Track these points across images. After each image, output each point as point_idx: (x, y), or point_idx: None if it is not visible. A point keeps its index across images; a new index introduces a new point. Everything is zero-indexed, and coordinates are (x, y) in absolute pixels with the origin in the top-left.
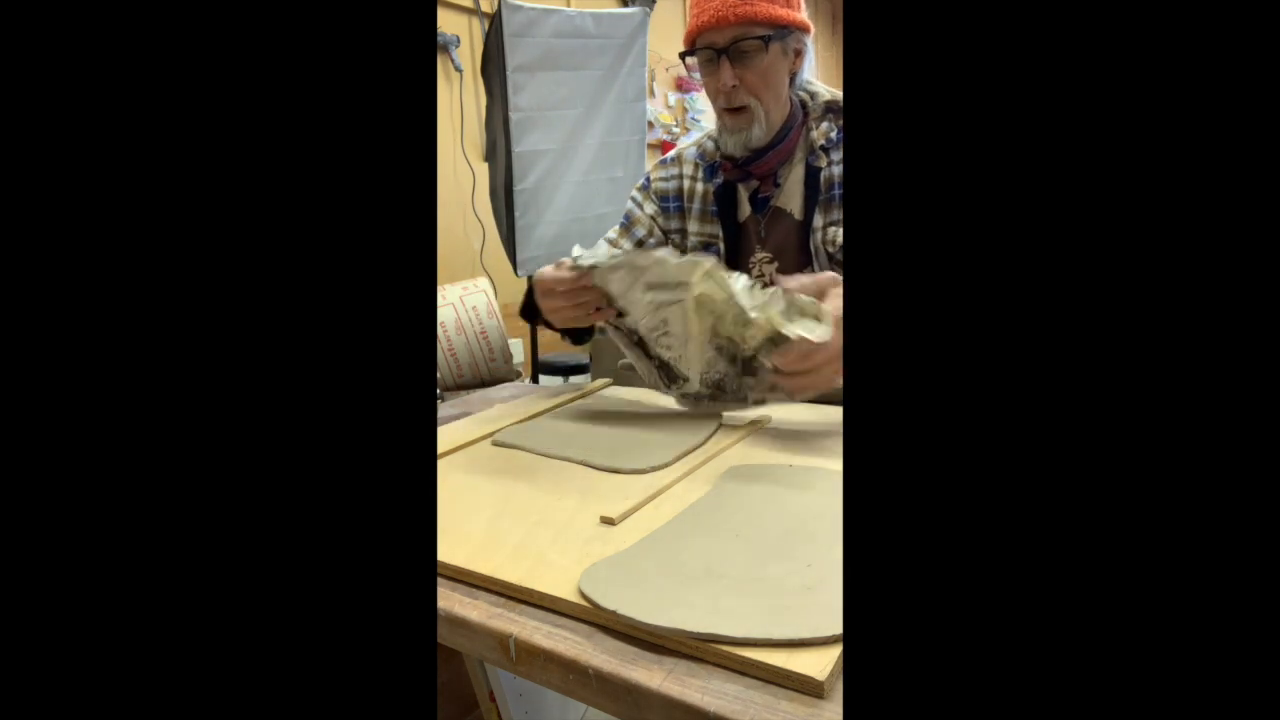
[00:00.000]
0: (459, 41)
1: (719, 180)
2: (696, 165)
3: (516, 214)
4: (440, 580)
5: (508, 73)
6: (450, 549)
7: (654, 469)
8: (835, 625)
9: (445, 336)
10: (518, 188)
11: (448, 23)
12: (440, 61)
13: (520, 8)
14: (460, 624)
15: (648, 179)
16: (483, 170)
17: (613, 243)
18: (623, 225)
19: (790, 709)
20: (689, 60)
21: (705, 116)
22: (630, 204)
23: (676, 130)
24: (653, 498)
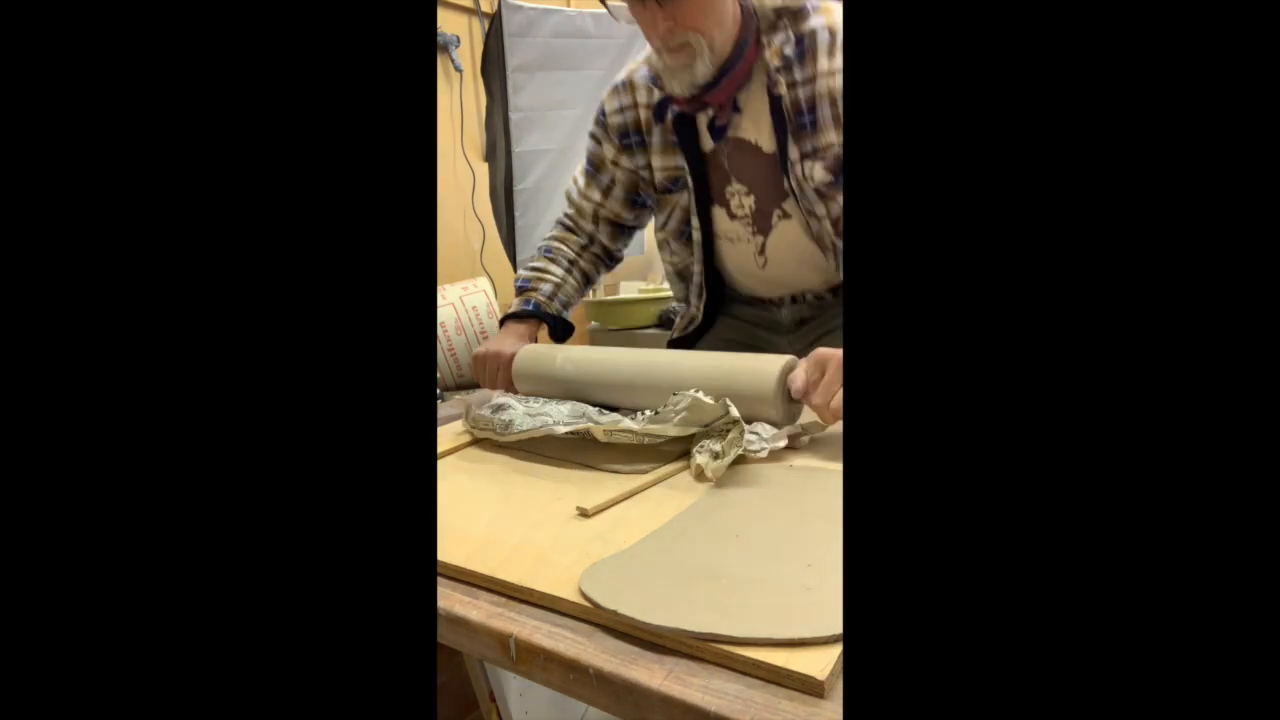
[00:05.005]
0: (459, 41)
1: (674, 110)
2: (650, 90)
3: (516, 214)
4: (440, 580)
5: (508, 73)
6: (450, 549)
7: (654, 467)
8: (835, 625)
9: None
10: (518, 188)
11: (448, 23)
12: (440, 61)
13: (520, 8)
14: (460, 624)
15: (603, 111)
16: (483, 170)
17: (583, 193)
18: (589, 172)
19: (790, 709)
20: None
21: None
22: (590, 143)
23: None
24: (633, 493)
